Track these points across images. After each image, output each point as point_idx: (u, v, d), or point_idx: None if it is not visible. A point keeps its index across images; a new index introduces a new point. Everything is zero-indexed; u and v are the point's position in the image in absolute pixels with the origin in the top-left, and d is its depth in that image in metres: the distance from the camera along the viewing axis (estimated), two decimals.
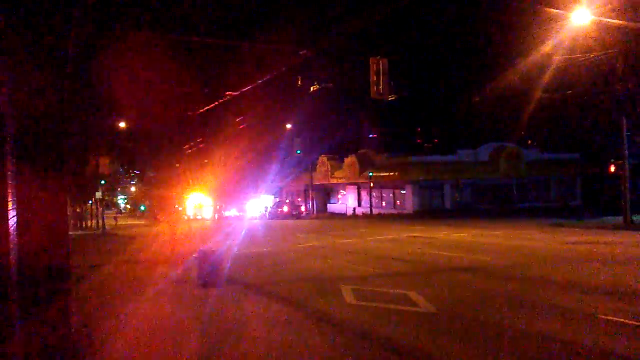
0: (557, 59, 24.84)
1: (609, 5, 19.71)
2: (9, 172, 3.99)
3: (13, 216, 3.86)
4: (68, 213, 5.18)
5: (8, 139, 3.99)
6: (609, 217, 32.30)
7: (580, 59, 24.49)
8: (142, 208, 73.28)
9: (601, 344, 7.12)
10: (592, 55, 24.31)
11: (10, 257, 3.84)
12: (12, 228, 3.87)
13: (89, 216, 52.10)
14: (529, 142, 59.21)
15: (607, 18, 20.12)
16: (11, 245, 3.82)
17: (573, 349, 6.99)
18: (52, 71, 3.93)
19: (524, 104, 37.55)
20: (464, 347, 7.32)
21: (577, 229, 27.19)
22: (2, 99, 4.09)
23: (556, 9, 19.65)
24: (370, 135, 63.64)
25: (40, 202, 3.81)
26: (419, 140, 61.15)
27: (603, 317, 8.47)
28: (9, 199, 3.96)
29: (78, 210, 48.29)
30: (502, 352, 7.00)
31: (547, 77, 27.82)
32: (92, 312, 9.85)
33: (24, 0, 3.84)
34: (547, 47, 23.58)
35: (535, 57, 25.28)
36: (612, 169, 30.41)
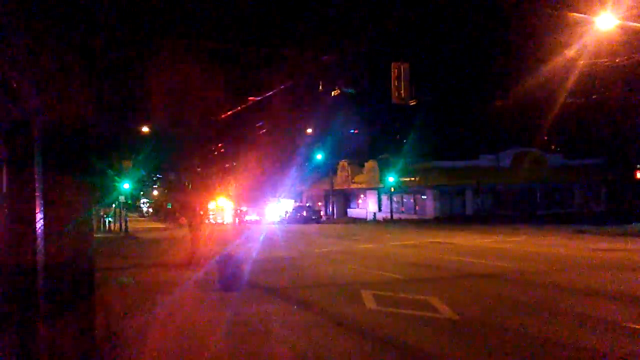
0: (581, 63, 24.52)
1: (635, 10, 19.39)
2: (36, 176, 4.06)
3: (40, 219, 3.93)
4: (92, 217, 5.26)
5: (35, 143, 4.07)
6: (635, 224, 31.69)
7: (605, 64, 24.12)
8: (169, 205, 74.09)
9: (628, 352, 6.98)
10: (617, 60, 23.93)
11: (38, 259, 3.91)
12: (39, 231, 3.94)
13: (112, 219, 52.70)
14: (553, 147, 58.44)
15: (633, 22, 19.80)
16: (39, 248, 3.89)
17: (600, 358, 6.87)
18: (78, 76, 3.99)
19: (547, 109, 37.15)
20: (486, 355, 7.24)
21: (601, 236, 26.74)
22: (28, 104, 4.16)
23: (580, 13, 19.39)
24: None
25: (66, 205, 3.86)
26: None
27: (630, 325, 8.32)
28: (37, 202, 4.03)
29: (102, 213, 48.91)
30: None
31: (570, 82, 27.48)
32: (115, 316, 9.94)
33: (52, 5, 3.90)
34: (571, 52, 23.27)
35: (558, 61, 24.99)
36: (639, 175, 29.91)
